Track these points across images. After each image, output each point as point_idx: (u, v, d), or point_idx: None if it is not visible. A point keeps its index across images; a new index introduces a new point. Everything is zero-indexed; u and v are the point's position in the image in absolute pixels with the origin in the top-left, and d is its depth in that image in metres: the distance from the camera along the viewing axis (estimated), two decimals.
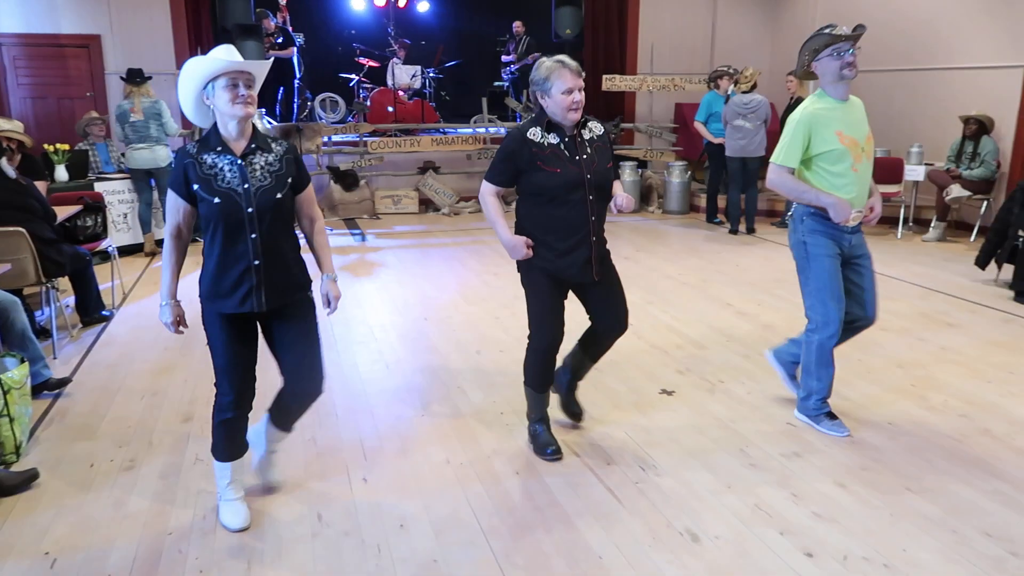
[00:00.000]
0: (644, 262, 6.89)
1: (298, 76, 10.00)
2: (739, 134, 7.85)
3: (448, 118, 11.10)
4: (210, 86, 2.54)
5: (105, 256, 6.07)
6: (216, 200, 2.54)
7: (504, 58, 11.30)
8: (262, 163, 2.61)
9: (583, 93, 3.06)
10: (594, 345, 3.41)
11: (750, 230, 8.11)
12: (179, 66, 8.71)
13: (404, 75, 10.53)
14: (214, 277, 2.65)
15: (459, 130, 10.12)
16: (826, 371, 3.50)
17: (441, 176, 9.66)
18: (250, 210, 2.56)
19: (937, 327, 5.01)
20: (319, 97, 10.26)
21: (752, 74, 8.00)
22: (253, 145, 2.61)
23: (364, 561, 2.57)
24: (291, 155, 2.70)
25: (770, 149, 8.27)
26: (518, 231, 3.20)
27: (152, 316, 5.28)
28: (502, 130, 10.11)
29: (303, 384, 2.79)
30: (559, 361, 3.38)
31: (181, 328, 2.79)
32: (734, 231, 8.18)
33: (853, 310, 3.49)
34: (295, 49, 9.81)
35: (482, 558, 2.58)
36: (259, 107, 8.47)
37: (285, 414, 2.88)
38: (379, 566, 2.55)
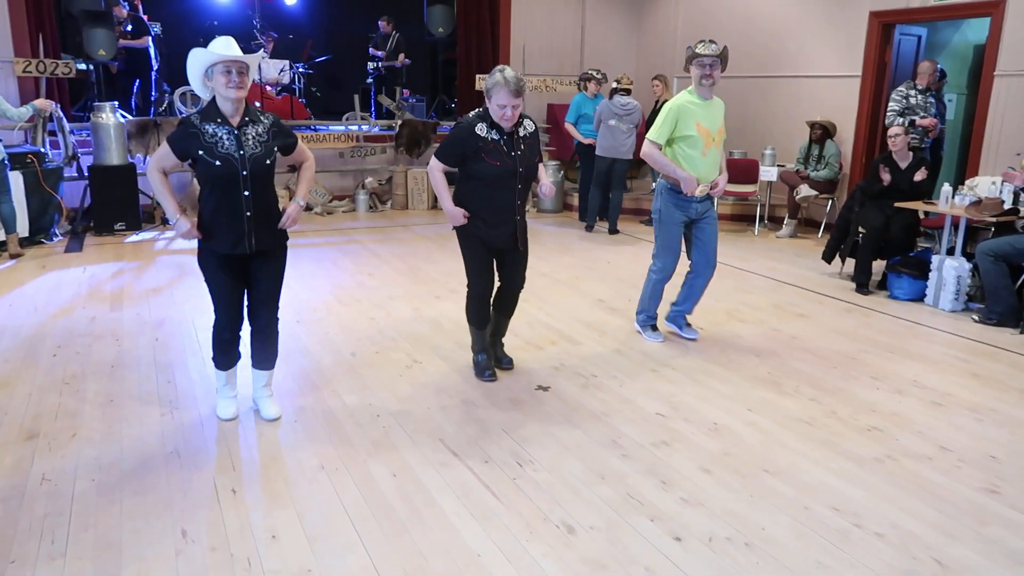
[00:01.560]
0: None
1: (155, 68, 9.43)
2: (611, 135, 8.06)
3: (319, 115, 10.80)
4: (210, 70, 3.13)
5: None
6: (217, 163, 3.16)
7: (372, 51, 11.09)
8: (253, 134, 3.24)
9: (517, 109, 3.70)
10: (502, 301, 4.18)
11: (612, 231, 8.35)
12: (17, 53, 8.05)
13: (272, 69, 10.15)
14: (211, 225, 3.26)
15: (331, 127, 9.88)
16: (654, 301, 4.81)
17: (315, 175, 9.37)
18: (244, 172, 3.20)
19: (789, 318, 5.37)
20: (179, 91, 9.71)
21: (630, 80, 8.31)
22: (246, 119, 3.24)
23: None
24: (276, 127, 3.35)
25: (638, 151, 8.55)
26: (457, 204, 3.87)
27: None
28: (375, 128, 9.97)
29: (264, 313, 3.49)
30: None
31: (197, 233, 3.28)
32: (590, 228, 8.40)
33: (698, 259, 4.70)
34: (149, 39, 9.24)
35: (359, 564, 2.53)
36: (111, 100, 7.98)
37: (257, 351, 3.57)
38: None
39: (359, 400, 3.84)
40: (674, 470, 3.19)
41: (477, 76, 9.76)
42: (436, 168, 3.90)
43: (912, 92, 7.05)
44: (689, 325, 4.90)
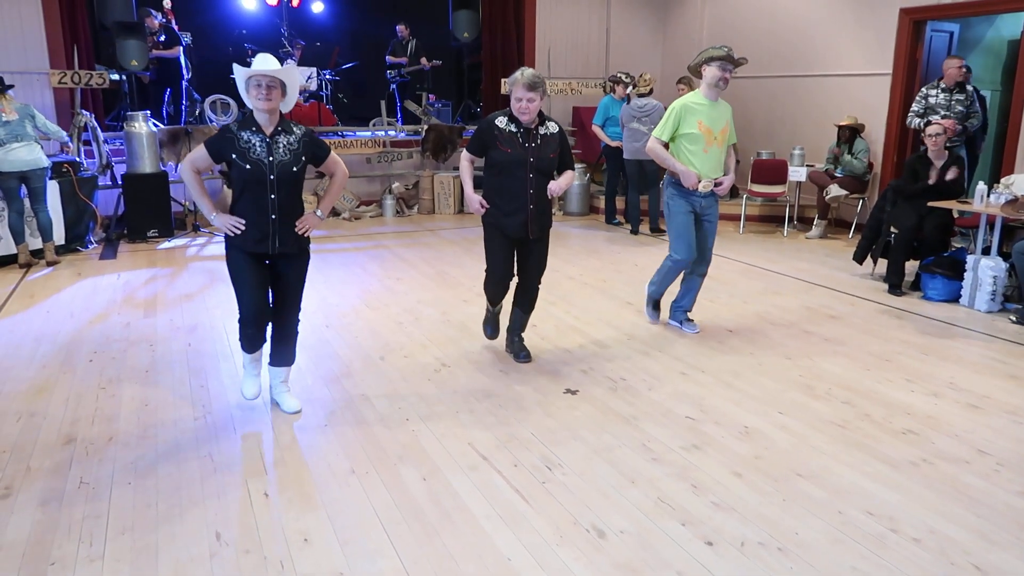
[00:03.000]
0: None
1: (185, 77, 9.58)
2: (634, 137, 8.07)
3: (346, 121, 10.88)
4: (246, 84, 3.39)
5: None
6: (248, 166, 3.39)
7: (390, 60, 11.13)
8: (284, 142, 3.46)
9: (533, 103, 3.96)
10: (520, 294, 4.45)
11: (654, 230, 8.34)
12: (52, 65, 8.22)
13: (300, 77, 10.26)
14: (247, 225, 3.45)
15: (358, 133, 9.96)
16: (665, 283, 5.03)
17: None
18: (272, 177, 3.42)
19: (820, 320, 5.30)
20: (209, 99, 9.86)
21: (649, 79, 8.25)
22: (279, 128, 3.47)
23: None
24: (307, 138, 3.55)
25: None
26: (484, 195, 4.16)
27: (29, 332, 4.94)
28: (402, 133, 10.02)
29: (285, 314, 3.70)
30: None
31: (239, 226, 3.45)
32: (635, 231, 8.40)
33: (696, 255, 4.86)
34: (181, 49, 9.39)
35: (390, 567, 2.54)
36: (144, 110, 8.13)
37: (275, 350, 3.77)
38: None
39: (388, 404, 3.86)
40: (705, 474, 3.16)
41: (502, 80, 9.77)
42: (465, 158, 4.25)
43: (933, 92, 6.94)
44: (690, 320, 5.06)
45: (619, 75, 8.67)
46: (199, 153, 3.47)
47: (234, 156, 3.40)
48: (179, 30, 9.62)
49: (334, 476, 3.14)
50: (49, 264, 6.77)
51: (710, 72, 4.57)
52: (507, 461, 3.26)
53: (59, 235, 7.13)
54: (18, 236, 6.68)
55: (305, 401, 3.90)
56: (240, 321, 3.61)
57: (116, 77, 8.80)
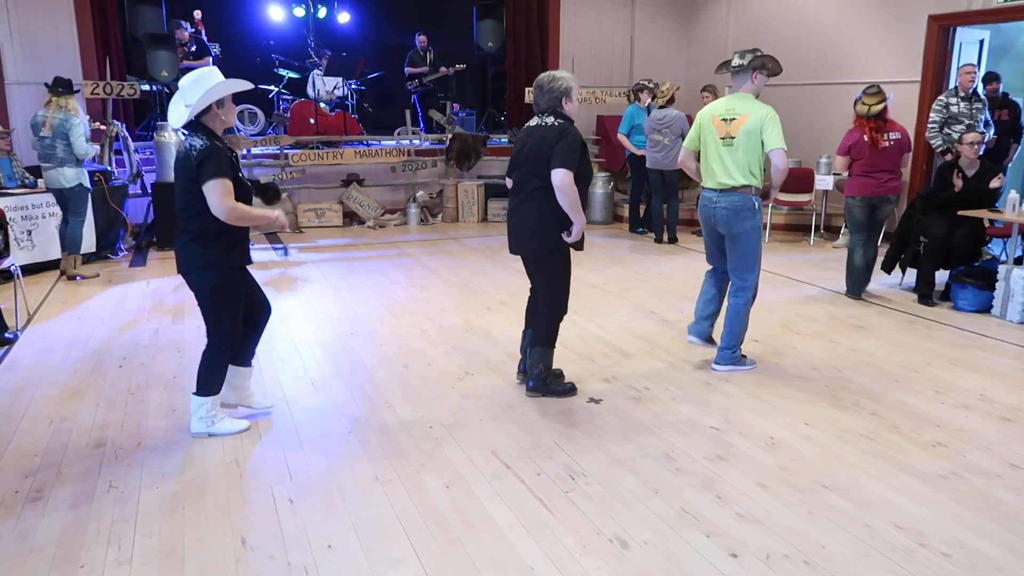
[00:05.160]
0: None
1: None
2: (656, 147, 8.07)
3: (371, 130, 10.98)
4: (221, 100, 3.41)
5: (7, 276, 5.77)
6: (240, 179, 3.39)
7: (409, 70, 11.18)
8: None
9: None
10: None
11: (672, 239, 8.32)
12: (85, 76, 8.39)
13: (326, 86, 10.38)
14: (239, 241, 3.50)
15: (383, 142, 10.04)
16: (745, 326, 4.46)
17: (365, 189, 9.55)
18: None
19: (848, 330, 5.24)
20: (237, 108, 10.01)
21: (668, 89, 8.22)
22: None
23: None
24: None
25: None
26: (551, 217, 3.78)
27: (60, 338, 5.04)
28: (426, 142, 10.09)
29: (266, 308, 3.78)
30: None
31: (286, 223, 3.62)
32: (659, 240, 8.37)
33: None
34: (210, 59, 9.54)
35: (412, 574, 2.55)
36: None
37: (249, 344, 3.76)
38: None
39: (412, 412, 3.87)
40: (730, 485, 3.14)
41: (526, 89, 9.80)
42: (572, 180, 3.67)
43: (953, 100, 6.84)
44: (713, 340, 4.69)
45: (643, 83, 8.67)
46: (227, 186, 3.26)
47: (238, 173, 3.41)
48: (208, 41, 9.78)
49: (358, 483, 3.15)
50: (69, 277, 6.67)
51: (762, 81, 4.32)
52: (530, 470, 3.26)
53: (90, 243, 7.25)
54: (74, 247, 6.78)
55: (329, 408, 3.93)
56: (224, 349, 3.52)
57: (147, 88, 8.97)
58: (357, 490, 3.10)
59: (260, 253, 7.87)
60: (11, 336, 5.01)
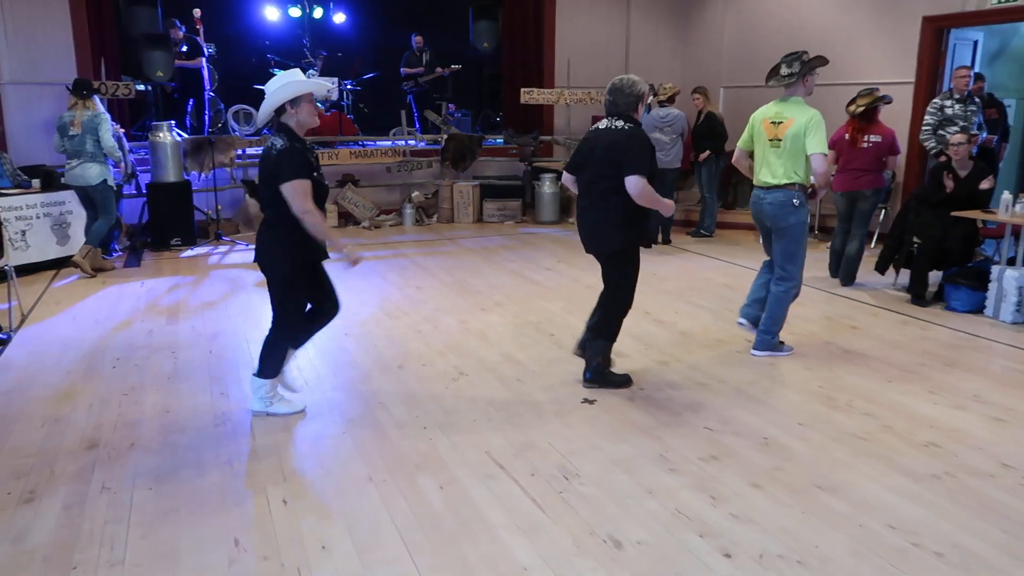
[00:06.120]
0: (565, 272, 6.98)
1: (208, 87, 9.70)
2: (656, 146, 8.04)
3: (367, 131, 10.97)
4: (298, 99, 3.52)
5: (1, 276, 5.75)
6: (318, 178, 3.56)
7: (405, 71, 11.16)
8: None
9: None
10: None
11: (666, 240, 8.32)
12: (80, 75, 8.35)
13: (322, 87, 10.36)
14: (307, 239, 3.55)
15: (378, 143, 10.03)
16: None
17: (361, 189, 9.55)
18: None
19: (841, 330, 5.25)
20: (232, 109, 9.99)
21: (669, 87, 8.23)
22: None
23: None
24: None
25: (685, 160, 8.47)
26: (622, 217, 3.94)
27: (54, 339, 5.02)
28: (422, 143, 10.08)
29: (333, 306, 3.91)
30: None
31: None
32: (656, 241, 8.37)
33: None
34: (203, 60, 9.51)
35: (406, 575, 2.55)
36: (168, 120, 8.25)
37: (308, 332, 3.91)
38: None
39: (407, 412, 3.87)
40: (724, 485, 3.14)
41: (522, 90, 9.81)
42: (647, 184, 3.87)
43: (948, 103, 6.87)
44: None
45: None
46: (306, 186, 3.43)
47: (316, 174, 3.53)
48: (205, 41, 9.75)
49: (352, 484, 3.15)
50: (73, 264, 6.73)
51: (813, 81, 4.58)
52: (524, 470, 3.26)
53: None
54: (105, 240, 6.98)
55: (324, 408, 3.92)
56: (290, 336, 3.77)
57: (142, 88, 8.95)
58: (351, 491, 3.09)
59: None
60: (4, 337, 5.00)
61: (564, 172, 4.28)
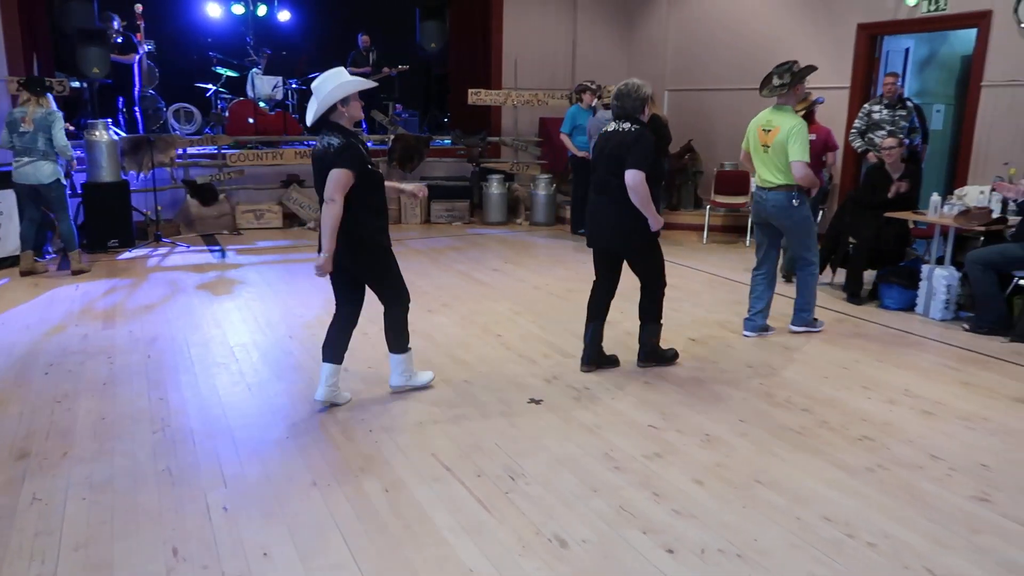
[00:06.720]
0: (512, 273, 7.00)
1: (138, 85, 9.40)
2: None
3: (312, 130, 10.82)
4: (347, 97, 3.71)
5: None
6: (375, 170, 3.73)
7: (350, 70, 11.04)
8: None
9: None
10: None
11: None
12: (10, 71, 8.05)
13: (265, 86, 10.19)
14: (384, 226, 3.86)
15: None
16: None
17: (306, 190, 9.41)
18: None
19: (781, 328, 5.38)
20: (172, 107, 9.75)
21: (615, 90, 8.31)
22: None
23: None
24: None
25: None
26: (640, 213, 4.14)
27: None
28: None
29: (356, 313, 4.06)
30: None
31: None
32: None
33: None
34: (135, 56, 9.23)
35: None
36: (105, 118, 8.00)
37: (342, 345, 4.04)
38: None
39: (351, 415, 3.84)
40: (667, 482, 3.19)
41: (470, 91, 9.80)
42: (644, 181, 4.07)
43: (876, 108, 7.12)
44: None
45: (586, 83, 8.74)
46: (347, 177, 3.56)
47: (368, 165, 3.67)
48: (143, 38, 9.48)
49: (295, 489, 3.11)
50: (75, 272, 6.75)
51: (802, 90, 5.02)
52: (470, 471, 3.26)
53: (15, 246, 6.98)
54: (25, 243, 6.80)
55: (267, 413, 3.86)
56: (407, 309, 4.06)
57: (77, 85, 8.66)
58: (294, 496, 3.05)
59: (196, 255, 7.69)
60: None
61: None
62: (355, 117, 3.75)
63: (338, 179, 3.54)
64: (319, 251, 3.67)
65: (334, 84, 3.64)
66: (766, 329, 5.25)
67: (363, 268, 3.85)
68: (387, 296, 3.98)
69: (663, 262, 4.43)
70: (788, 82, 4.85)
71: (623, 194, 4.13)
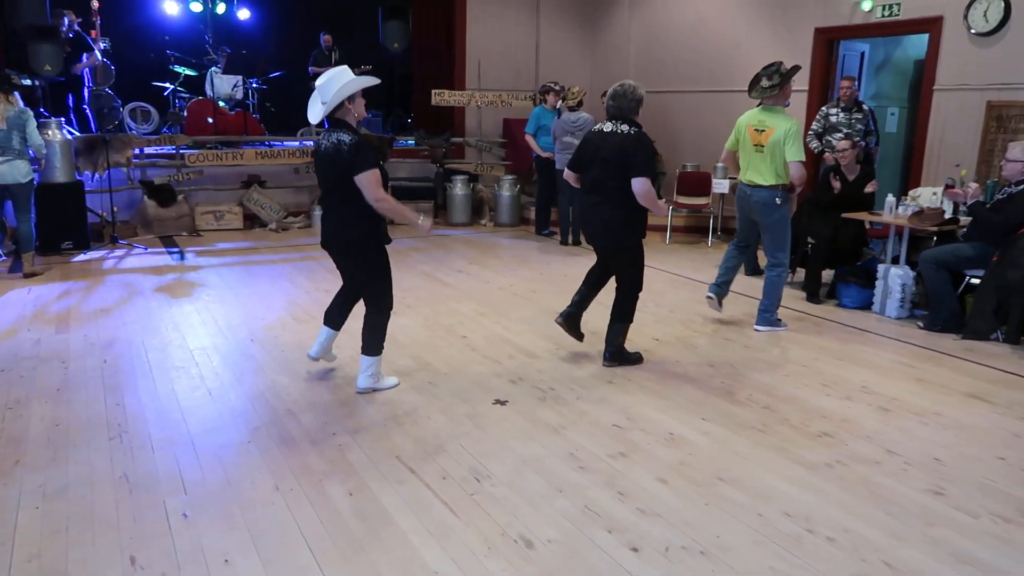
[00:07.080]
0: (477, 274, 6.99)
1: (88, 83, 9.18)
2: (568, 150, 8.15)
3: (273, 130, 10.68)
4: (352, 96, 3.82)
5: None
6: (383, 167, 3.78)
7: (313, 70, 10.93)
8: None
9: None
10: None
11: (576, 241, 8.45)
12: None
13: (225, 85, 10.03)
14: (383, 228, 3.93)
15: (285, 143, 9.79)
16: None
17: (267, 191, 9.29)
18: None
19: (742, 328, 5.46)
20: (129, 107, 9.54)
21: (578, 91, 8.36)
22: None
23: None
24: None
25: None
26: (632, 215, 4.30)
27: None
28: None
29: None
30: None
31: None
32: (565, 242, 8.49)
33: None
34: (85, 55, 9.00)
35: None
36: (57, 117, 7.80)
37: (343, 313, 4.35)
38: None
39: (314, 419, 3.79)
40: (631, 481, 3.21)
41: (433, 91, 9.77)
42: (652, 188, 4.25)
43: (833, 111, 7.27)
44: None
45: (550, 84, 8.77)
46: (377, 175, 3.69)
47: (381, 163, 3.76)
48: (97, 35, 9.25)
49: (257, 494, 3.06)
50: (27, 275, 6.58)
51: (790, 89, 5.15)
52: (435, 473, 3.25)
53: None
54: None
55: (228, 418, 3.80)
56: (387, 314, 4.03)
57: (28, 83, 8.42)
58: (257, 501, 3.01)
59: (154, 257, 7.54)
60: None
61: (567, 169, 4.60)
62: (360, 115, 3.86)
63: (370, 180, 3.67)
64: (419, 219, 3.94)
65: (342, 82, 3.72)
66: (721, 306, 5.50)
67: (354, 265, 4.00)
68: (371, 297, 4.03)
69: (643, 267, 4.53)
70: (777, 83, 5.01)
71: (618, 195, 4.25)
